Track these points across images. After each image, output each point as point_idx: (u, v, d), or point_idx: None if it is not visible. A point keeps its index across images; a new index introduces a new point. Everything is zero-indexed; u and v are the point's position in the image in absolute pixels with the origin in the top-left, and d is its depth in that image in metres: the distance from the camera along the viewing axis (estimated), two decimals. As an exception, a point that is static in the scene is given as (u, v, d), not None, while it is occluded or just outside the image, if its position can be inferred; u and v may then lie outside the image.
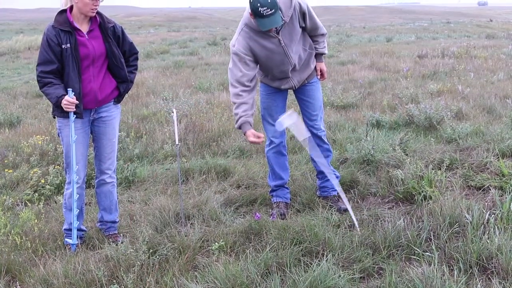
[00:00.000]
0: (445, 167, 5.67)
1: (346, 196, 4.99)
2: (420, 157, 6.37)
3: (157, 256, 4.21)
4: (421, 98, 9.82)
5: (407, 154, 6.46)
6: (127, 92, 4.91)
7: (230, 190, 5.77)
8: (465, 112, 8.91)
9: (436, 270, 3.71)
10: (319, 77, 5.35)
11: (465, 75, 13.25)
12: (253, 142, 4.75)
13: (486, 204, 4.93)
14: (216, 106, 9.80)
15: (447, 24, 50.78)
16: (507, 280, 3.70)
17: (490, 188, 5.35)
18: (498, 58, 16.62)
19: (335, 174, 5.40)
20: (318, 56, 5.30)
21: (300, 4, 4.82)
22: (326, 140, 5.44)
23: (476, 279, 3.74)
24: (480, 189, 5.47)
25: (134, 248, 4.15)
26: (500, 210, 4.60)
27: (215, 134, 7.84)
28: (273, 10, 4.46)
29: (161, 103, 10.08)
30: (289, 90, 5.32)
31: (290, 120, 4.59)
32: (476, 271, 3.82)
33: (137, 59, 4.94)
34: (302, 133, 4.74)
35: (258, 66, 5.00)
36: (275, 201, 5.37)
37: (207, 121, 8.34)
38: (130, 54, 4.85)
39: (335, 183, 4.96)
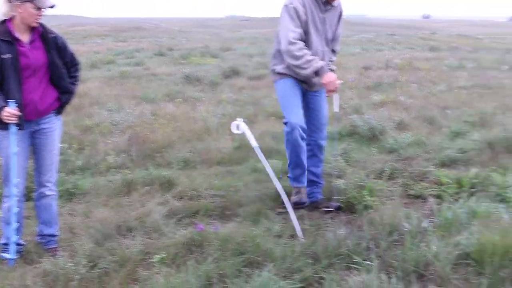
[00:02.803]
0: (386, 177, 5.78)
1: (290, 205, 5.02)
2: (362, 167, 6.47)
3: (97, 270, 4.14)
4: (365, 109, 9.97)
5: (349, 164, 6.56)
6: (68, 103, 4.84)
7: (173, 201, 5.73)
8: (407, 122, 9.09)
9: (375, 278, 3.77)
10: (327, 94, 5.35)
11: (408, 87, 13.52)
12: (335, 85, 4.85)
13: (425, 212, 5.04)
14: (161, 117, 9.74)
15: (392, 36, 51.65)
16: (443, 286, 3.78)
17: (429, 196, 5.47)
18: (440, 70, 17.04)
19: (321, 184, 5.61)
20: None
21: (341, 5, 5.12)
22: (323, 151, 5.53)
23: (413, 286, 3.81)
24: (419, 198, 5.59)
25: (74, 262, 4.09)
26: (437, 218, 4.72)
27: (159, 145, 7.79)
28: None
29: (105, 114, 9.96)
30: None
31: (245, 126, 4.72)
32: (414, 278, 3.89)
33: (78, 70, 4.88)
34: (253, 140, 4.88)
35: None
36: (294, 185, 5.42)
37: (151, 132, 8.28)
38: (71, 65, 4.78)
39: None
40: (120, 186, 6.20)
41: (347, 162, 6.64)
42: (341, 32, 5.32)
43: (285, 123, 5.23)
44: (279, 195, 5.17)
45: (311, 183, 5.52)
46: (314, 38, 5.00)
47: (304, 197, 5.33)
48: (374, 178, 5.72)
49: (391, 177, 6.16)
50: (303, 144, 5.28)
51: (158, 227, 4.97)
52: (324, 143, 5.46)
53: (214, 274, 4.00)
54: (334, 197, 5.44)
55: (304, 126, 5.19)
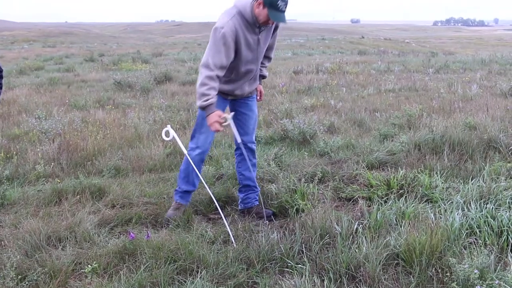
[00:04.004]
0: (317, 180, 5.87)
1: (223, 211, 5.04)
2: (294, 171, 6.54)
3: (27, 282, 4.04)
4: (295, 113, 10.08)
5: (281, 169, 6.62)
6: (-8, 112, 4.71)
7: (105, 210, 5.64)
8: (337, 126, 9.25)
9: (307, 282, 3.82)
10: (258, 98, 5.56)
11: (338, 90, 13.78)
12: (217, 127, 4.80)
13: (355, 214, 5.14)
14: (91, 124, 9.60)
15: (322, 41, 52.47)
16: (374, 287, 3.87)
17: (359, 199, 5.58)
18: (369, 74, 17.43)
19: (257, 189, 5.60)
20: (260, 78, 5.52)
21: None
22: (255, 155, 5.58)
23: (345, 288, 3.89)
24: (350, 200, 5.69)
25: (1, 275, 3.98)
26: (367, 220, 4.82)
27: (90, 153, 7.66)
28: (285, 9, 4.73)
29: (34, 122, 9.73)
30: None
31: (174, 132, 4.75)
32: (345, 280, 3.96)
33: (2, 77, 4.77)
34: (183, 146, 4.95)
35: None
36: (179, 201, 5.39)
37: (82, 140, 8.14)
38: (-5, 72, 4.67)
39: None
40: (50, 195, 6.06)
41: (278, 166, 6.70)
42: (275, 41, 5.41)
43: (192, 139, 5.31)
44: (211, 201, 5.18)
45: (245, 187, 5.54)
46: (247, 60, 5.02)
47: (178, 217, 5.30)
48: (305, 182, 5.78)
49: (322, 180, 6.26)
50: (201, 165, 5.40)
51: (89, 236, 4.89)
52: (254, 146, 5.50)
53: (147, 282, 3.98)
54: (268, 203, 5.49)
55: (208, 146, 5.30)
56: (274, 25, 5.14)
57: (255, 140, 7.19)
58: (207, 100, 4.74)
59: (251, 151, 5.49)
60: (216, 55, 4.76)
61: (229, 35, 4.75)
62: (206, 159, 7.29)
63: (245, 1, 4.83)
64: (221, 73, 4.82)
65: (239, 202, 5.61)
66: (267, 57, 5.47)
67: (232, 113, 5.07)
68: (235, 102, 5.38)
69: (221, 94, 5.18)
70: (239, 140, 5.20)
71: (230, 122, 4.95)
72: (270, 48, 5.38)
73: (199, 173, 5.28)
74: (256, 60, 5.12)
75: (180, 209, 5.35)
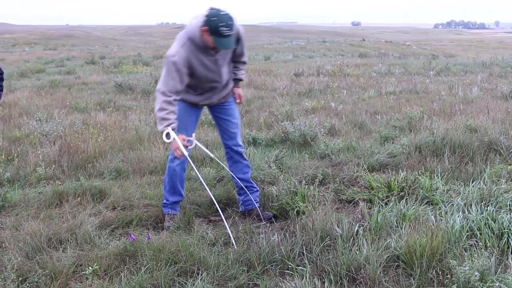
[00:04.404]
0: (318, 182, 5.87)
1: (223, 213, 5.04)
2: (294, 173, 6.54)
3: (27, 284, 4.05)
4: (296, 115, 10.07)
5: (281, 171, 6.62)
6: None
7: (106, 212, 5.65)
8: (338, 128, 9.26)
9: (308, 283, 3.83)
10: (238, 101, 5.56)
11: (338, 93, 13.78)
12: (180, 153, 4.88)
13: (356, 216, 5.14)
14: (92, 126, 9.60)
15: (323, 43, 52.48)
16: (374, 289, 3.88)
17: (360, 201, 5.58)
18: (369, 76, 17.42)
19: (255, 188, 5.64)
20: (237, 81, 5.51)
21: (238, 29, 5.01)
22: (245, 156, 5.60)
23: (345, 290, 3.89)
24: (351, 203, 5.68)
25: (2, 277, 3.98)
26: (368, 222, 4.82)
27: (90, 155, 7.67)
28: (231, 32, 4.68)
29: (35, 124, 9.74)
30: (203, 107, 5.48)
31: (174, 134, 4.82)
32: (346, 282, 3.96)
33: (2, 79, 4.78)
34: (183, 148, 4.93)
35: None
36: (170, 212, 5.43)
37: (83, 142, 8.15)
38: (-5, 74, 4.68)
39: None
40: (50, 197, 6.06)
41: (279, 168, 6.70)
42: (244, 47, 5.34)
43: (171, 150, 5.33)
44: (212, 203, 5.17)
45: (243, 189, 5.54)
46: (207, 79, 5.08)
47: (176, 225, 5.34)
48: (306, 184, 5.79)
49: (323, 182, 6.26)
50: (183, 175, 5.44)
51: (90, 238, 4.88)
52: (241, 149, 5.52)
53: (147, 284, 3.98)
54: (269, 205, 5.50)
55: (187, 157, 5.23)
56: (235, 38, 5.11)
57: (257, 140, 7.21)
58: (169, 124, 4.82)
59: (239, 154, 5.52)
60: (170, 82, 4.83)
61: (180, 62, 4.80)
62: (206, 160, 7.31)
63: (194, 25, 4.83)
64: (177, 97, 4.89)
65: (239, 204, 5.62)
66: (240, 62, 5.46)
67: (193, 134, 5.20)
68: (211, 108, 5.46)
69: (190, 103, 5.25)
70: (212, 156, 5.44)
71: (195, 142, 5.13)
72: (240, 55, 5.35)
73: (183, 182, 5.45)
74: (219, 76, 5.14)
75: (174, 218, 5.38)
